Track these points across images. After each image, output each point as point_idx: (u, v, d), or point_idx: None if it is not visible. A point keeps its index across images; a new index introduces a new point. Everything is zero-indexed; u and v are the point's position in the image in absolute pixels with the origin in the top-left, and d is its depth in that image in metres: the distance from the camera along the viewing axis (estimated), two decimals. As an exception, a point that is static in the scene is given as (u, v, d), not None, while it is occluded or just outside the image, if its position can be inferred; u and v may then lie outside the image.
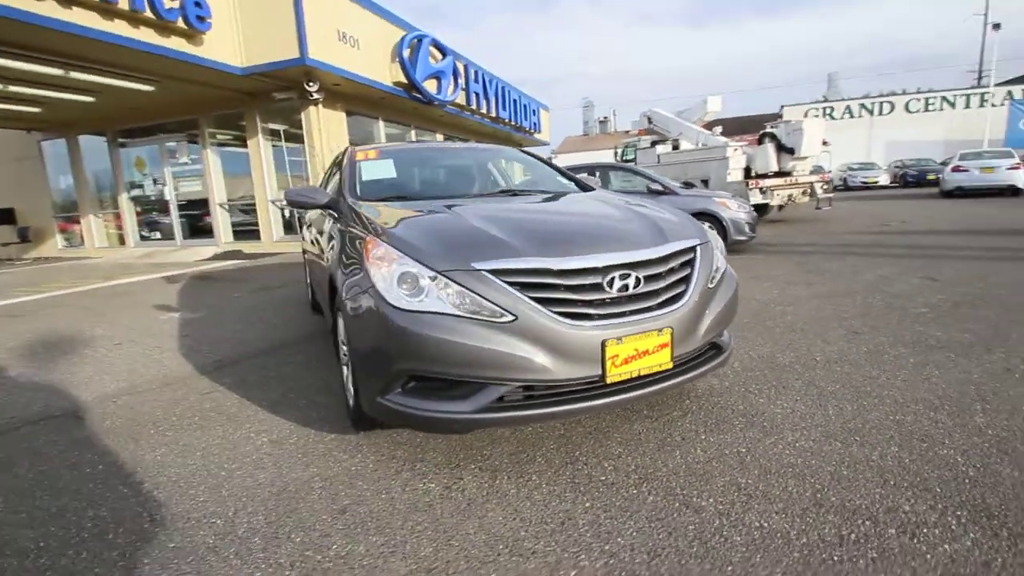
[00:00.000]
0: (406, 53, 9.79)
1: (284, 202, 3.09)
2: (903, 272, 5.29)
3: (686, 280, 2.05)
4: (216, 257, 9.82)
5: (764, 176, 10.82)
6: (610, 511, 1.68)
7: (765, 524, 1.57)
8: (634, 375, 1.87)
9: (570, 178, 3.42)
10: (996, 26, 23.50)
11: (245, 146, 10.08)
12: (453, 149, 3.84)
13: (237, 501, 1.87)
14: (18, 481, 2.12)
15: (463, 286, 1.79)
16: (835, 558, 1.42)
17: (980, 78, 34.57)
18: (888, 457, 1.90)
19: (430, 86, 10.69)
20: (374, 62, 9.38)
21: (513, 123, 15.98)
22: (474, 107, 13.14)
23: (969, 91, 27.59)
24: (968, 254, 6.17)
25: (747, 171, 11.09)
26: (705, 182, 11.33)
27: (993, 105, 24.97)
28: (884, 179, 24.67)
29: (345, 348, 2.45)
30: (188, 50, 7.09)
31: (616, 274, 1.89)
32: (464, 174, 3.44)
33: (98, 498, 1.95)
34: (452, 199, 2.79)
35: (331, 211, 2.87)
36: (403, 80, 10.08)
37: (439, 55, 10.99)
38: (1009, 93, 25.82)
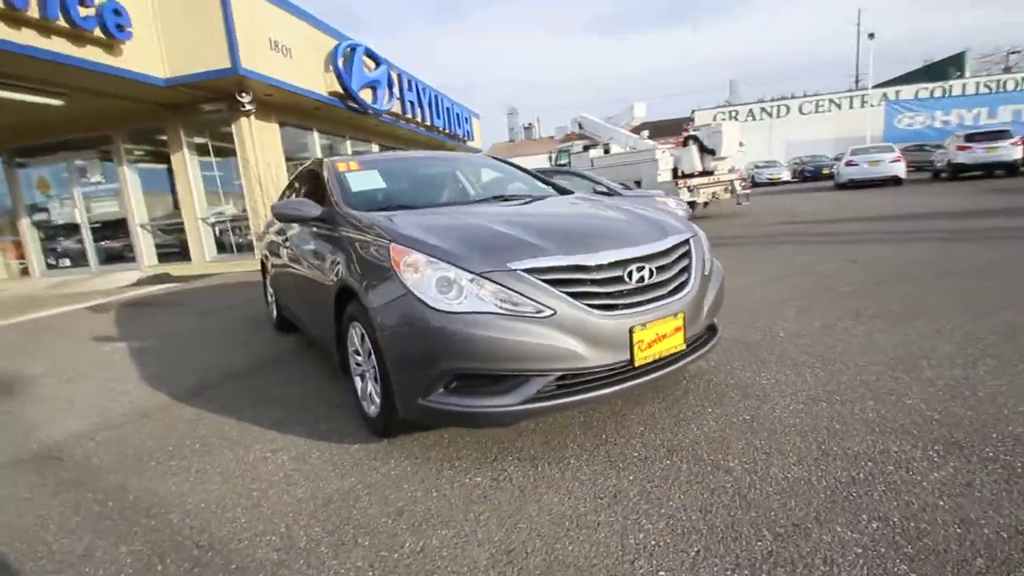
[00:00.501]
0: (340, 62, 9.61)
1: (271, 216, 2.99)
2: (826, 256, 5.94)
3: (687, 270, 2.27)
4: (141, 282, 9.10)
5: (690, 176, 11.62)
6: (653, 481, 1.85)
7: (788, 475, 1.80)
8: (656, 358, 2.06)
9: (546, 182, 3.60)
10: (871, 35, 26.70)
11: (167, 162, 9.43)
12: (431, 158, 3.89)
13: (284, 517, 1.85)
14: (21, 529, 1.95)
15: (503, 285, 1.90)
16: (854, 494, 1.66)
17: (857, 81, 39.16)
18: (867, 411, 2.21)
19: (366, 95, 10.54)
20: (307, 71, 9.13)
21: (447, 131, 16.03)
22: (409, 116, 13.07)
23: (851, 94, 31.00)
24: (873, 237, 7.01)
25: (675, 171, 11.87)
26: (638, 183, 11.97)
27: (872, 106, 28.25)
28: (786, 175, 27.10)
29: (359, 359, 2.47)
30: (106, 61, 6.56)
31: (633, 267, 2.07)
32: (451, 182, 3.51)
33: (125, 533, 1.85)
34: (451, 206, 2.87)
35: (324, 224, 2.85)
36: (338, 90, 9.87)
37: (372, 64, 10.86)
38: (884, 95, 29.31)
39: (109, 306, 7.07)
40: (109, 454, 2.55)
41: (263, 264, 4.97)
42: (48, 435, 2.84)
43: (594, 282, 1.99)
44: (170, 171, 9.53)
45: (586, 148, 14.92)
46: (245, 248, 9.62)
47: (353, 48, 10.02)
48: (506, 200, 3.00)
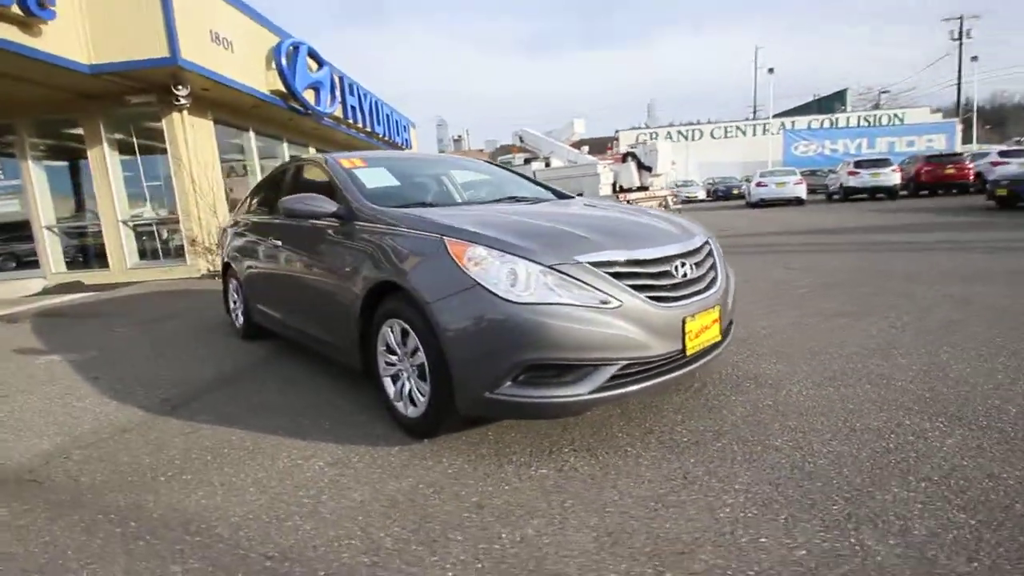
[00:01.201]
0: (284, 60, 9.17)
1: (282, 211, 2.78)
2: (767, 265, 6.51)
3: (714, 267, 2.45)
4: (48, 291, 8.06)
5: (629, 190, 12.28)
6: (713, 462, 1.96)
7: (830, 449, 1.99)
8: (701, 347, 2.20)
9: (545, 187, 3.68)
10: (770, 70, 29.72)
11: (80, 158, 8.47)
12: (428, 158, 3.86)
13: (353, 520, 1.76)
14: (30, 559, 1.69)
15: (573, 277, 1.94)
16: (893, 460, 1.87)
17: (755, 111, 43.35)
18: (869, 392, 2.49)
19: (309, 96, 10.13)
20: (249, 68, 8.62)
21: (387, 139, 15.72)
22: (351, 121, 12.70)
23: (755, 122, 34.18)
24: (801, 249, 7.79)
25: (614, 186, 12.47)
26: (579, 195, 12.44)
27: (772, 134, 31.31)
28: (701, 194, 29.28)
29: (392, 359, 2.39)
30: (23, 41, 5.81)
31: (677, 263, 2.20)
32: (464, 183, 3.50)
33: (170, 552, 1.67)
34: (474, 205, 2.87)
35: (340, 220, 2.73)
36: (281, 88, 9.41)
37: (315, 65, 10.47)
38: (782, 124, 32.60)
39: (20, 316, 6.20)
40: (99, 472, 2.27)
41: (226, 268, 4.62)
42: (6, 457, 2.47)
43: (649, 275, 2.09)
44: (74, 169, 8.56)
45: (527, 161, 15.30)
46: (174, 254, 8.83)
47: (296, 47, 9.62)
48: (526, 201, 3.04)
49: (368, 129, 13.99)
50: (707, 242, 2.52)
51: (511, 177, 3.80)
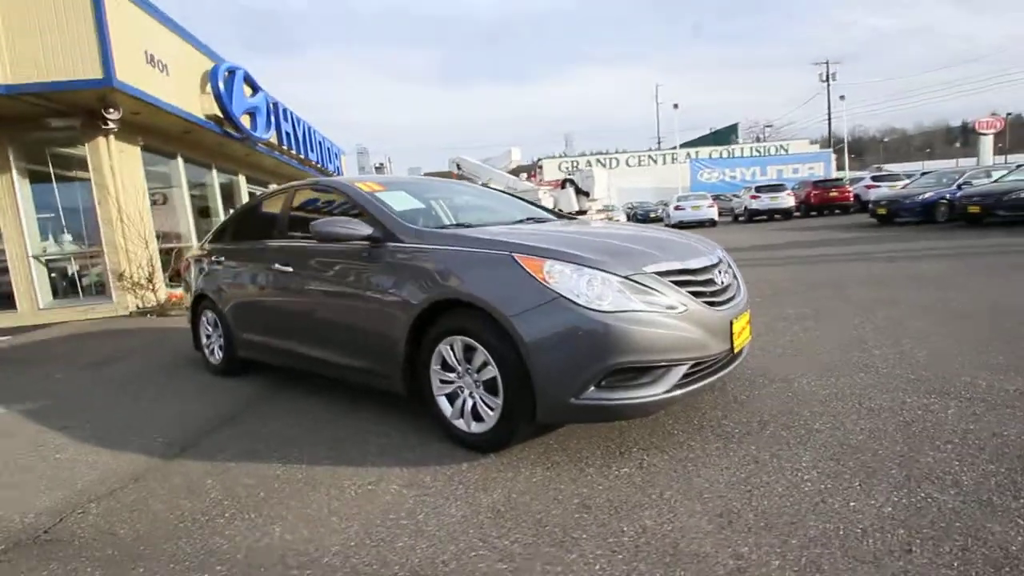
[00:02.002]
0: (220, 84, 8.76)
1: (315, 233, 2.68)
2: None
3: (735, 276, 2.74)
4: (-65, 339, 6.94)
5: (569, 215, 12.84)
6: (773, 447, 2.18)
7: (862, 427, 2.29)
8: (740, 347, 2.44)
9: (544, 208, 3.87)
10: (675, 106, 32.62)
11: (-25, 186, 7.48)
12: (437, 183, 3.90)
13: (467, 534, 1.77)
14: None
15: (645, 286, 2.12)
16: (917, 430, 2.20)
17: (659, 142, 47.15)
18: (865, 379, 2.86)
19: (245, 121, 9.70)
20: (184, 91, 8.14)
21: (319, 166, 15.29)
22: (285, 147, 12.26)
23: (665, 152, 37.07)
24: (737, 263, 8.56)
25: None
26: (522, 220, 12.80)
27: (680, 162, 34.11)
28: (623, 218, 31.00)
29: (450, 376, 2.42)
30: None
31: (715, 272, 2.45)
32: (474, 204, 3.58)
33: (285, 587, 1.59)
34: (504, 225, 2.97)
35: (375, 243, 2.72)
36: (217, 113, 8.94)
37: (250, 90, 10.08)
38: (688, 154, 35.62)
39: (-86, 369, 5.30)
40: (138, 522, 2.07)
41: (198, 301, 4.31)
42: (7, 522, 2.18)
43: (699, 283, 2.32)
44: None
45: (465, 187, 15.52)
46: (95, 291, 7.97)
47: (232, 71, 9.23)
48: (548, 221, 3.19)
49: (301, 156, 13.56)
50: (724, 254, 2.81)
51: (511, 199, 3.95)
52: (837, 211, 20.61)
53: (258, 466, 2.48)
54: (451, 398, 2.46)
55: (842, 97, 38.49)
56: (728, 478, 1.97)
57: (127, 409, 3.54)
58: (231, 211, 5.18)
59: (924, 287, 5.27)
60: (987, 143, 31.26)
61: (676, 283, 2.21)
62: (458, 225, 2.87)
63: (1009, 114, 46.80)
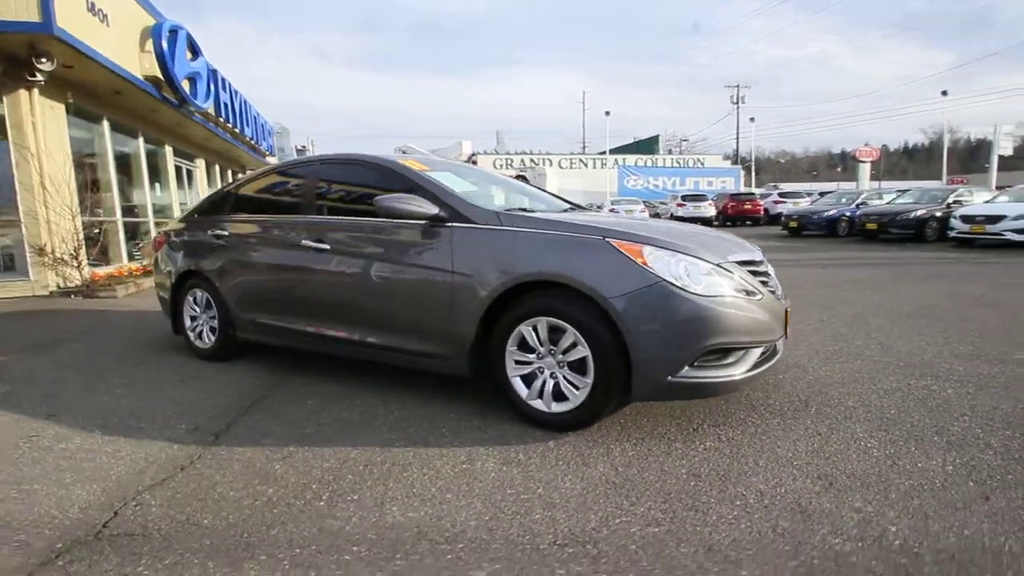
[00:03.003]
0: (164, 43, 7.92)
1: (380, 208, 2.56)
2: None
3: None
4: None
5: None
6: (826, 422, 2.45)
7: (888, 404, 2.63)
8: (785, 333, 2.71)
9: (562, 199, 3.98)
10: (607, 113, 34.01)
11: None
12: (474, 169, 3.85)
13: (600, 504, 1.84)
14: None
15: (731, 273, 2.30)
16: (934, 405, 2.57)
17: (584, 147, 49.01)
18: (865, 365, 3.26)
19: (185, 87, 8.85)
20: (124, 47, 7.28)
21: (253, 142, 14.26)
22: (222, 118, 11.32)
23: (596, 156, 38.46)
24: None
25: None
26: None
27: (609, 168, 35.57)
28: (645, 213, 31.59)
29: (528, 356, 2.46)
30: None
31: (763, 264, 2.70)
32: (519, 191, 3.59)
33: (449, 562, 1.57)
34: (559, 212, 3.03)
35: (436, 222, 2.68)
36: (157, 74, 8.08)
37: (190, 54, 9.21)
38: (616, 160, 37.21)
39: None
40: (221, 510, 1.92)
41: (183, 279, 3.94)
42: (45, 515, 1.93)
43: (759, 273, 2.55)
44: None
45: (411, 177, 15.15)
46: (5, 265, 6.91)
47: (175, 31, 8.37)
48: (585, 210, 3.30)
49: (237, 130, 12.57)
50: (756, 250, 3.09)
51: (538, 190, 4.01)
52: (749, 222, 22.58)
53: (324, 450, 2.37)
54: (527, 379, 2.49)
55: (752, 119, 42.14)
56: (805, 448, 2.20)
57: (112, 396, 3.18)
58: (230, 183, 4.72)
59: (864, 290, 6.01)
60: (865, 169, 35.64)
61: (748, 272, 2.42)
62: (523, 210, 2.89)
63: (884, 145, 53.68)
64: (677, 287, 2.18)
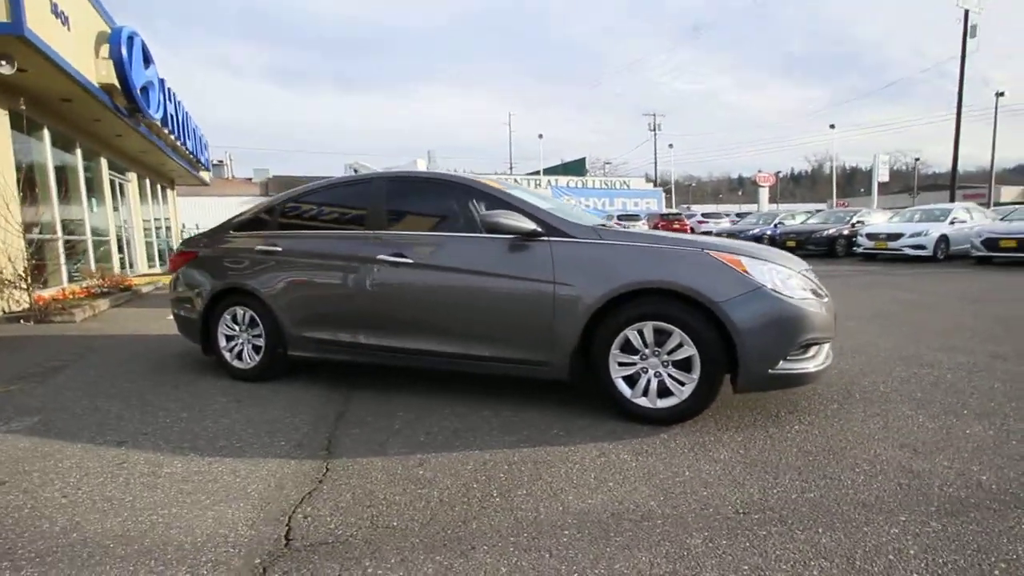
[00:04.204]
0: (123, 50, 7.41)
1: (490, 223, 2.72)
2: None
3: None
4: None
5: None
6: (876, 406, 2.90)
7: (914, 388, 3.14)
8: (829, 332, 3.17)
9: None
10: (540, 135, 35.31)
11: None
12: (521, 188, 4.04)
13: (753, 482, 2.12)
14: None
15: (808, 279, 2.70)
16: (951, 384, 3.12)
17: (511, 167, 50.60)
18: (872, 360, 3.82)
19: (141, 95, 8.29)
20: (81, 52, 6.73)
21: (192, 155, 13.41)
22: (167, 130, 10.61)
23: (531, 177, 39.60)
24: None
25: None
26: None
27: (544, 187, 36.78)
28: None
29: (632, 359, 2.71)
30: None
31: (811, 271, 3.16)
32: (570, 208, 3.83)
33: (664, 535, 1.77)
34: (642, 228, 3.33)
35: (530, 237, 2.88)
36: (113, 82, 7.52)
37: (143, 62, 8.65)
38: (548, 181, 38.58)
39: None
40: (402, 513, 1.99)
41: (219, 297, 3.78)
42: (213, 535, 1.90)
43: (814, 281, 2.99)
44: None
45: (363, 194, 14.92)
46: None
47: (133, 37, 7.87)
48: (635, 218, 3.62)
49: (179, 142, 11.81)
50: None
51: (577, 206, 4.30)
52: (679, 240, 24.27)
53: (453, 455, 2.46)
54: (629, 379, 2.74)
55: (671, 145, 45.49)
56: (877, 427, 2.62)
57: (176, 419, 3.03)
58: (273, 198, 4.52)
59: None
60: (764, 193, 39.46)
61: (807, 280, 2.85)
62: (598, 226, 3.15)
63: (779, 172, 59.84)
64: (774, 291, 2.54)
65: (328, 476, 2.30)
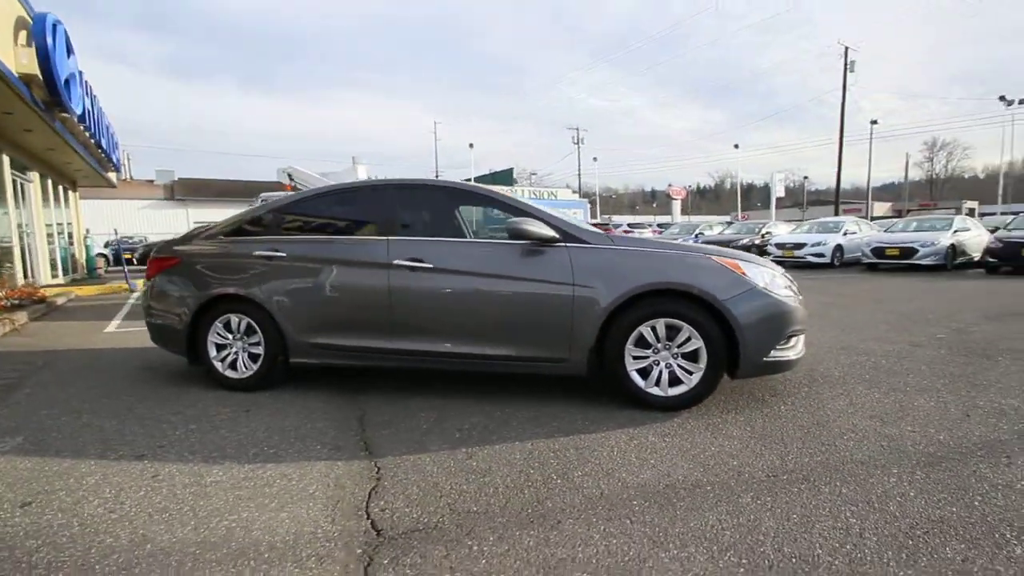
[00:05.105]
0: (49, 39, 6.74)
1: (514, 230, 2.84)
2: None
3: None
4: None
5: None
6: (847, 386, 3.41)
7: (904, 365, 3.71)
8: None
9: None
10: (471, 145, 35.56)
11: None
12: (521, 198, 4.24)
13: (752, 453, 2.47)
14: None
15: (788, 280, 3.15)
16: (931, 361, 3.71)
17: (437, 176, 50.80)
18: (851, 342, 4.42)
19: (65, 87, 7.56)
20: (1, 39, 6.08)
21: (105, 155, 12.26)
22: (83, 125, 9.68)
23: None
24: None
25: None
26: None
27: (474, 196, 37.08)
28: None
29: (645, 352, 3.01)
30: None
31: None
32: (571, 218, 4.07)
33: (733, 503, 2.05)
34: (647, 235, 3.65)
35: (548, 243, 3.11)
36: (35, 73, 6.81)
37: (66, 52, 7.89)
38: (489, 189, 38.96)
39: None
40: (479, 499, 2.13)
41: (206, 307, 3.63)
42: (299, 532, 1.95)
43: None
44: None
45: (299, 201, 14.32)
46: None
47: (56, 25, 7.17)
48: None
49: (94, 140, 10.78)
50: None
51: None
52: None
53: (497, 447, 2.61)
54: (642, 372, 3.03)
55: (595, 159, 47.64)
56: (845, 403, 3.09)
57: (186, 431, 2.92)
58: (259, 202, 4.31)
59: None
60: (677, 205, 42.42)
61: (785, 280, 3.32)
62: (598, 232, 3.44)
63: (689, 186, 64.45)
64: (766, 290, 2.95)
65: (383, 473, 2.37)
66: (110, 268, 18.62)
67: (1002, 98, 30.43)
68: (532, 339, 3.15)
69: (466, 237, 3.59)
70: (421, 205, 3.57)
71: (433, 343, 3.30)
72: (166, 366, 4.36)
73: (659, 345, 3.00)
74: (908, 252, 12.22)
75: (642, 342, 3.01)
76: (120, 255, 13.63)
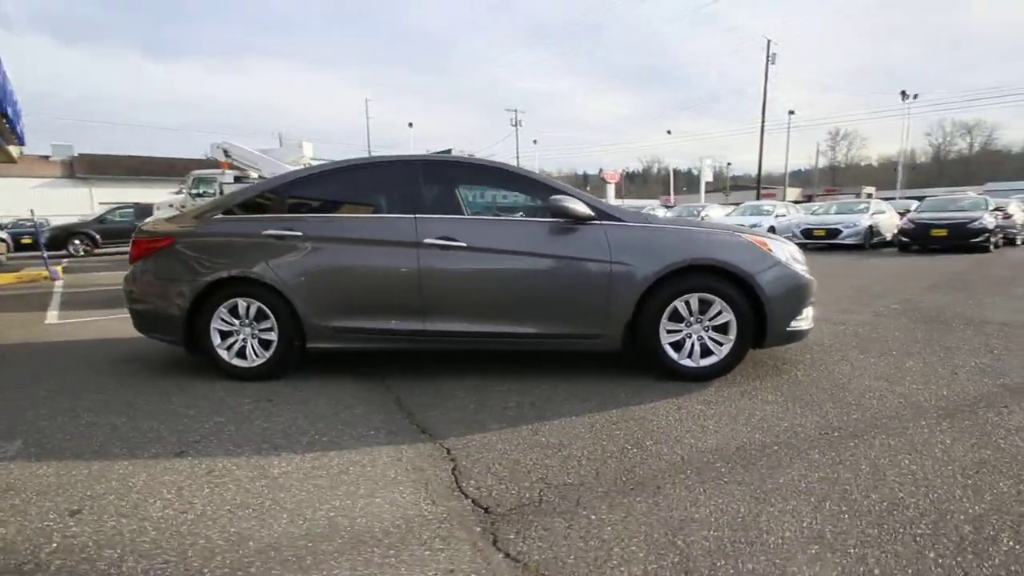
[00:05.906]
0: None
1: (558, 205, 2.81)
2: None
3: None
4: None
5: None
6: (843, 353, 3.73)
7: (898, 337, 4.08)
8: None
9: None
10: (410, 124, 34.64)
11: None
12: None
13: (790, 417, 2.68)
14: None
15: (800, 254, 3.39)
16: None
17: (369, 153, 49.23)
18: (835, 314, 4.79)
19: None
20: None
21: (9, 127, 10.77)
22: (-14, 94, 8.44)
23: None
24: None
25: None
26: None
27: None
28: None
29: (678, 326, 3.16)
30: None
31: (782, 252, 3.92)
32: None
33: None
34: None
35: (582, 221, 3.15)
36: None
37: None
38: (418, 171, 38.15)
39: None
40: (566, 473, 2.17)
41: (208, 292, 3.35)
42: (417, 514, 1.91)
43: (791, 258, 3.72)
44: None
45: (238, 179, 13.32)
46: None
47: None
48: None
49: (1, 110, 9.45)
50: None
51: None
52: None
53: (553, 423, 2.64)
54: (674, 345, 3.17)
55: (535, 141, 47.89)
56: (848, 368, 3.40)
57: (212, 424, 2.73)
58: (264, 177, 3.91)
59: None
60: (611, 189, 43.72)
61: (794, 256, 3.57)
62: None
63: (622, 170, 66.50)
64: (787, 265, 3.17)
65: (456, 454, 2.35)
66: (11, 254, 16.54)
67: (903, 93, 33.74)
68: (568, 316, 3.19)
69: (489, 215, 3.55)
70: (448, 182, 3.49)
71: (466, 323, 3.26)
72: (144, 358, 4.00)
73: (691, 319, 3.15)
74: (833, 232, 13.39)
75: (675, 316, 3.14)
76: (39, 239, 12.13)
